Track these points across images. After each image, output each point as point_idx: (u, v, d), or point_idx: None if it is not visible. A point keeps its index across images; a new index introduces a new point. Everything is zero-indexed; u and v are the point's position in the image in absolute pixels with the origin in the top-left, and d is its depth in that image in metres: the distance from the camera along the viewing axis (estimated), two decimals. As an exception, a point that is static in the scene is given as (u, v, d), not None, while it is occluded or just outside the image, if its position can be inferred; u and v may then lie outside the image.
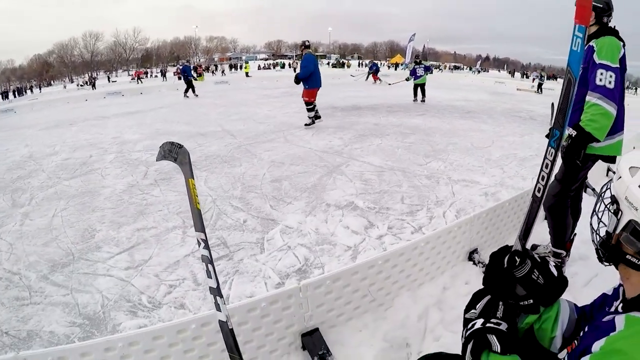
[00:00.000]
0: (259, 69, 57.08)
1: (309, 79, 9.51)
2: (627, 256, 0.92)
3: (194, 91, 19.61)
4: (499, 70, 76.43)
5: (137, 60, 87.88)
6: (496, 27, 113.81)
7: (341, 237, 3.95)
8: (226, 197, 5.09)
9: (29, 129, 13.45)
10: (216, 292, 1.70)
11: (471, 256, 3.27)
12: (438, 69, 69.19)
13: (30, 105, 24.53)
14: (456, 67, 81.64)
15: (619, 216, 0.93)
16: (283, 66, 66.28)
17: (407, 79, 17.22)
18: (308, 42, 9.93)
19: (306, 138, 8.43)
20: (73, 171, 6.96)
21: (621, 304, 0.99)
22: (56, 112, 18.64)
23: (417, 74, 15.85)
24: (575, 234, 3.16)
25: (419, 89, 15.94)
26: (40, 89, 51.08)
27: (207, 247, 1.73)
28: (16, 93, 51.80)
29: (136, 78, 45.70)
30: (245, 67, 43.54)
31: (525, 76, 64.68)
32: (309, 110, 9.77)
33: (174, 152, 1.90)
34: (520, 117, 12.30)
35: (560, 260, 3.08)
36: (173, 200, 5.09)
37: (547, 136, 2.83)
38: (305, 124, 9.78)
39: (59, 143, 9.84)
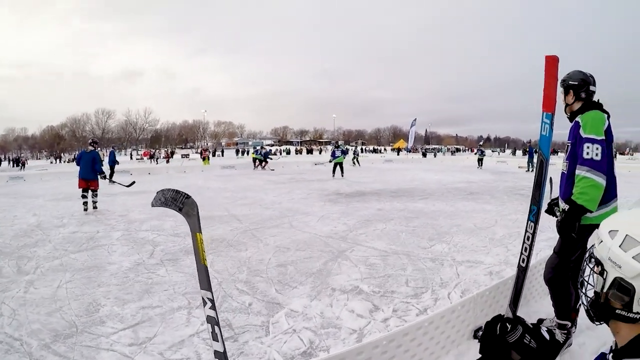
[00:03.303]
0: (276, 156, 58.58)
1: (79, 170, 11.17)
2: (617, 310, 1.01)
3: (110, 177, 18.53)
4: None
5: (146, 140, 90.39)
6: (495, 107, 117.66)
7: (346, 320, 3.92)
8: (232, 280, 5.10)
9: (37, 198, 13.92)
10: (222, 356, 1.62)
11: (476, 334, 3.25)
12: (440, 152, 70.92)
13: (39, 175, 25.05)
14: (457, 150, 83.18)
15: (604, 276, 1.03)
16: (289, 152, 67.76)
17: (330, 161, 21.07)
18: (91, 139, 12.36)
19: (311, 224, 8.52)
20: (80, 245, 7.08)
21: (611, 354, 1.06)
22: (65, 184, 18.94)
23: (335, 155, 20.53)
24: (580, 304, 3.14)
25: (337, 167, 20.40)
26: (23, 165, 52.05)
27: (213, 307, 1.62)
28: (14, 163, 52.89)
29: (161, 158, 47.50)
30: (252, 154, 44.41)
31: (526, 154, 66.15)
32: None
33: (179, 201, 1.79)
34: (522, 195, 12.54)
35: (565, 331, 3.04)
36: (179, 281, 5.11)
37: (546, 211, 2.93)
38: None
39: (67, 216, 10.14)
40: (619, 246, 0.99)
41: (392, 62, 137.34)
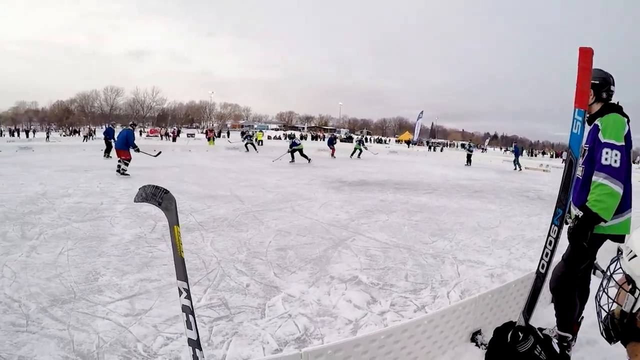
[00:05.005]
0: (268, 139, 58.54)
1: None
2: None
3: (108, 152, 20.37)
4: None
5: (153, 119, 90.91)
6: (504, 104, 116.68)
7: (343, 310, 3.89)
8: (231, 260, 5.09)
9: (44, 168, 14.04)
10: (195, 344, 1.62)
11: (474, 337, 3.21)
12: (446, 146, 70.86)
13: (48, 146, 25.20)
14: (462, 145, 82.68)
15: (636, 295, 0.93)
16: (293, 137, 67.52)
17: (289, 151, 22.27)
18: (131, 122, 15.28)
19: (314, 210, 8.49)
20: (84, 215, 7.14)
21: None
22: (72, 157, 19.34)
23: (296, 143, 22.69)
24: (582, 317, 3.06)
25: (298, 153, 21.92)
26: (27, 135, 53.23)
27: (189, 297, 1.66)
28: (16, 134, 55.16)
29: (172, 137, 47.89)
30: (258, 135, 44.38)
31: (532, 154, 65.50)
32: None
33: (158, 196, 1.83)
34: (528, 197, 12.39)
35: (566, 344, 2.96)
36: (179, 257, 5.09)
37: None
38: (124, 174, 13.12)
39: (73, 186, 10.27)
40: None
41: (401, 52, 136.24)
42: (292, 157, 21.95)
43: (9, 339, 3.04)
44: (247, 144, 31.20)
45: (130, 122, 14.82)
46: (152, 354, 2.97)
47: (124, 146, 13.37)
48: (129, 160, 13.43)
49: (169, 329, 3.34)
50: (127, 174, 13.02)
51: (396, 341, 2.65)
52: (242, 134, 58.69)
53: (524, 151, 68.90)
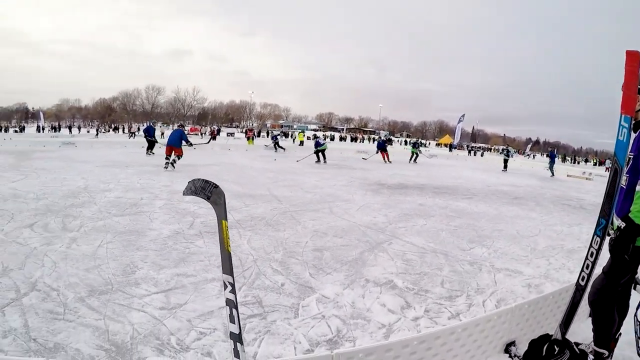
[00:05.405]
0: (307, 139, 59.06)
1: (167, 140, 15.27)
2: None
3: (151, 149, 20.97)
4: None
5: (193, 117, 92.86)
6: (547, 109, 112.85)
7: (377, 314, 3.88)
8: (267, 259, 5.14)
9: (86, 163, 14.65)
10: (237, 338, 1.65)
11: (508, 348, 3.13)
12: (487, 151, 69.32)
13: (90, 142, 26.16)
14: (502, 150, 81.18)
15: None
16: (333, 138, 67.53)
17: (315, 152, 22.59)
18: (180, 123, 17.53)
19: (351, 212, 8.48)
20: (123, 209, 7.40)
21: None
22: (114, 153, 20.07)
23: (320, 143, 22.99)
24: (620, 334, 2.92)
25: (320, 154, 22.22)
26: (70, 130, 55.51)
27: (233, 291, 1.68)
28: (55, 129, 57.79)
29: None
30: (299, 136, 44.71)
31: (575, 161, 63.38)
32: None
33: (207, 190, 1.86)
34: (569, 206, 11.98)
35: None
36: (216, 253, 5.14)
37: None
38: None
39: (114, 181, 10.66)
40: None
41: (441, 54, 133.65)
42: (318, 157, 22.14)
43: (46, 326, 3.18)
44: (275, 143, 31.45)
45: (179, 123, 16.71)
46: (184, 347, 3.04)
47: (179, 143, 14.74)
48: (182, 156, 14.98)
49: (203, 324, 3.41)
50: (167, 168, 14.18)
51: (428, 348, 2.63)
52: (268, 133, 59.52)
53: (565, 157, 66.92)
